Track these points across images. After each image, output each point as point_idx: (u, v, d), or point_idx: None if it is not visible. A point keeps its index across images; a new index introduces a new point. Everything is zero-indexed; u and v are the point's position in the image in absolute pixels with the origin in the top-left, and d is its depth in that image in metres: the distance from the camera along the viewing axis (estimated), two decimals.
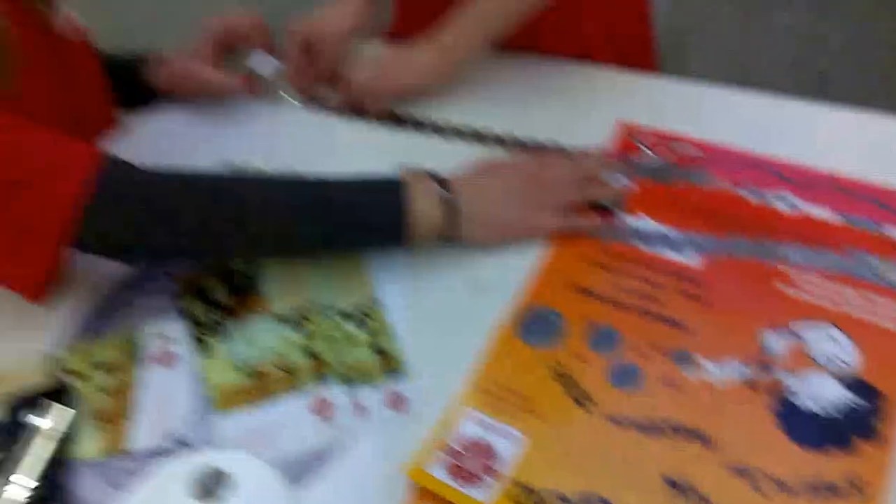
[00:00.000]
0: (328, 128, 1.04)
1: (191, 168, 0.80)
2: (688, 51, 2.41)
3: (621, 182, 0.88)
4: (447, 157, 0.94)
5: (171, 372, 0.77)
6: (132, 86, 1.08)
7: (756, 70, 2.30)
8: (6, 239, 0.73)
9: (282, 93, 1.09)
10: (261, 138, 1.03)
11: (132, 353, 0.79)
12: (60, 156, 0.74)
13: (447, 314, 0.80)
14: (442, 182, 0.82)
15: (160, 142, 1.05)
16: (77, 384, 0.77)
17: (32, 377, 0.78)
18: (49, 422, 0.73)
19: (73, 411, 0.74)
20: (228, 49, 1.08)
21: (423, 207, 0.80)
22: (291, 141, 1.03)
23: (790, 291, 0.76)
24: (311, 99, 1.08)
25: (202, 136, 1.05)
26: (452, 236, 0.82)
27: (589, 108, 0.98)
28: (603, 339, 0.75)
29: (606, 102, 0.99)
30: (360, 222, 0.80)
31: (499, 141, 0.96)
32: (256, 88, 1.08)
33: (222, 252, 0.83)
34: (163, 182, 0.76)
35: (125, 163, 0.77)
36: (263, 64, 1.06)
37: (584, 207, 0.85)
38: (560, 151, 0.92)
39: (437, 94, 1.03)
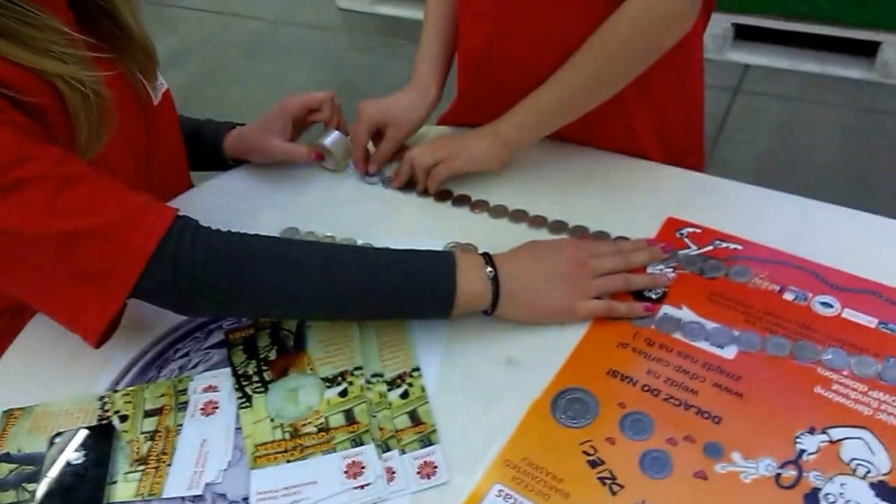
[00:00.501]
0: (385, 200, 1.09)
1: (253, 231, 0.84)
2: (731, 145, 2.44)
3: (665, 274, 0.89)
4: (496, 234, 0.98)
5: (211, 421, 0.80)
6: (210, 151, 1.16)
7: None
8: (79, 284, 0.77)
9: (346, 166, 1.14)
10: (322, 207, 1.08)
11: (177, 400, 0.82)
12: (137, 211, 0.79)
13: (482, 385, 0.81)
14: (489, 260, 0.85)
15: (227, 203, 1.10)
16: (122, 426, 0.80)
17: (82, 416, 0.82)
18: (88, 460, 0.76)
19: (111, 452, 0.77)
20: (300, 123, 1.14)
21: (470, 283, 0.83)
22: (350, 211, 1.07)
23: (826, 394, 0.76)
24: (373, 174, 1.13)
25: (266, 201, 1.10)
26: (494, 312, 0.85)
27: (636, 200, 1.01)
28: (635, 424, 0.75)
29: (653, 196, 1.01)
30: (410, 293, 0.83)
31: (547, 224, 0.99)
32: (322, 159, 1.13)
33: (277, 313, 0.87)
34: (226, 242, 0.80)
35: (194, 221, 0.81)
36: (331, 138, 1.12)
37: (626, 295, 0.87)
38: (607, 240, 0.95)
39: (493, 175, 1.07)
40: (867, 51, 2.56)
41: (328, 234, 1.01)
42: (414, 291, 0.83)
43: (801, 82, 2.64)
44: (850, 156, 2.35)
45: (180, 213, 0.81)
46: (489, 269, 0.84)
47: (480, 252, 0.87)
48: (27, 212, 0.74)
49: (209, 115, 1.18)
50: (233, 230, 0.82)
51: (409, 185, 1.09)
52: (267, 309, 0.85)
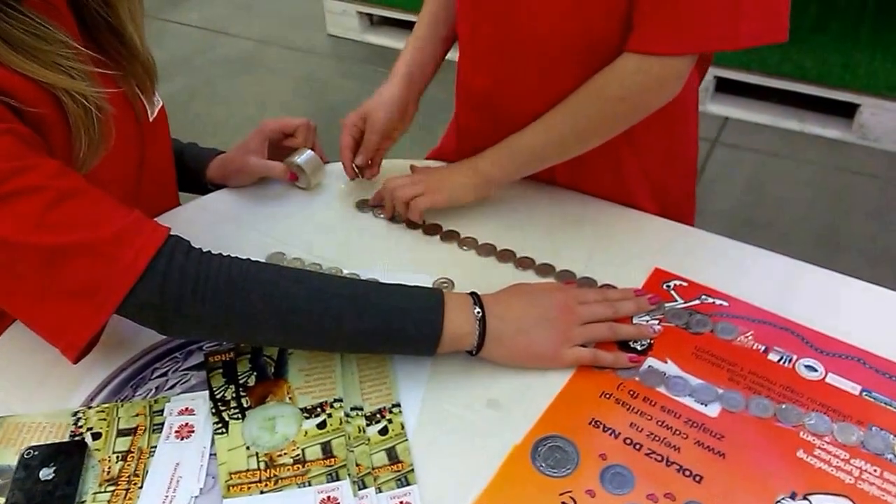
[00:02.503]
0: (374, 230, 1.08)
1: (239, 254, 0.83)
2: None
3: (651, 325, 0.89)
4: (483, 272, 0.98)
5: (186, 445, 0.78)
6: (192, 175, 1.16)
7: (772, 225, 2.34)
8: (65, 298, 0.75)
9: (318, 185, 1.16)
10: (309, 233, 1.07)
11: (152, 421, 0.80)
12: (130, 228, 0.77)
13: (463, 426, 0.80)
14: (477, 300, 0.85)
15: (213, 224, 1.09)
16: (94, 444, 0.78)
17: (54, 431, 0.79)
18: (58, 477, 0.74)
19: (82, 470, 0.75)
20: (276, 145, 1.15)
21: (457, 323, 0.82)
22: (338, 239, 1.06)
23: (808, 459, 0.76)
24: (361, 203, 1.13)
25: (252, 224, 1.09)
26: (479, 353, 0.84)
27: (624, 249, 1.01)
28: (616, 477, 0.75)
29: (642, 246, 1.02)
30: (396, 329, 0.82)
31: (535, 266, 0.99)
32: (296, 179, 1.15)
33: (262, 340, 0.86)
34: (217, 266, 0.79)
35: (186, 242, 0.80)
36: (304, 157, 1.13)
37: (611, 344, 0.87)
38: (594, 287, 0.95)
39: (483, 213, 1.07)
40: (846, 112, 2.62)
41: (315, 261, 1.00)
42: (400, 328, 0.82)
43: (779, 138, 2.68)
44: (821, 214, 2.39)
45: (172, 233, 0.79)
46: (477, 309, 0.84)
47: (469, 292, 0.87)
48: (20, 221, 0.73)
49: (190, 131, 1.18)
50: (223, 253, 0.81)
51: (392, 217, 1.09)
52: (252, 336, 0.83)
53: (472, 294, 0.86)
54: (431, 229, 1.06)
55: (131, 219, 0.79)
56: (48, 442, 0.78)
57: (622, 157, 1.08)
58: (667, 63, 0.90)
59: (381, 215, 1.10)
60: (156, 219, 1.04)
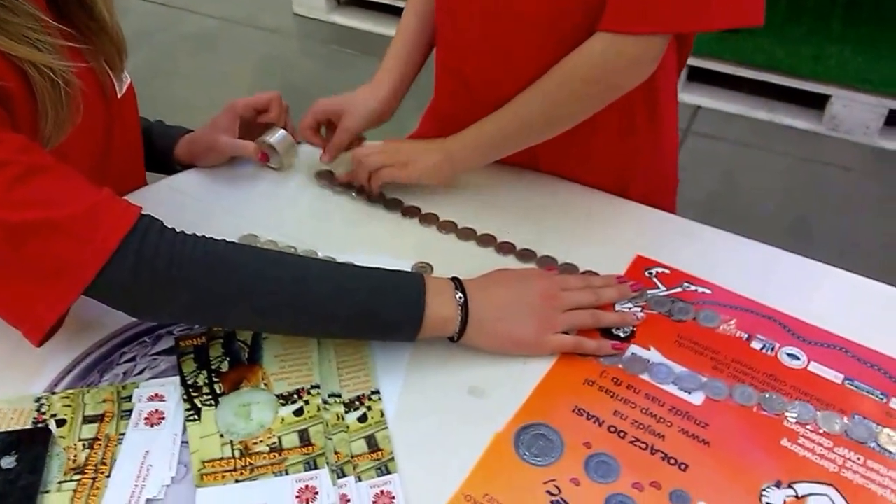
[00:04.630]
0: (350, 213, 1.06)
1: (213, 235, 0.80)
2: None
3: (633, 312, 0.88)
4: (462, 256, 0.97)
5: (156, 432, 0.75)
6: (159, 155, 1.13)
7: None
8: (30, 278, 0.72)
9: (291, 165, 1.13)
10: (282, 215, 1.04)
11: (120, 408, 0.77)
12: (100, 206, 0.74)
13: (444, 414, 0.79)
14: (459, 285, 0.83)
15: (182, 204, 1.06)
16: (59, 431, 0.75)
17: (16, 418, 0.76)
18: (21, 465, 0.71)
19: (46, 458, 0.72)
20: (248, 123, 1.11)
21: (439, 308, 0.80)
22: (312, 221, 1.04)
23: (793, 447, 0.75)
24: (320, 174, 1.11)
25: (222, 205, 1.06)
26: (460, 339, 0.82)
27: (606, 235, 1.00)
28: (601, 466, 0.73)
29: (623, 233, 1.00)
30: (376, 313, 0.80)
31: (515, 251, 0.97)
32: (268, 160, 1.11)
33: (238, 324, 0.83)
34: (192, 246, 0.76)
35: (159, 222, 0.77)
36: (276, 136, 1.10)
37: (593, 331, 0.86)
38: (577, 273, 0.93)
39: (463, 197, 1.05)
40: (817, 103, 2.63)
41: (289, 243, 0.97)
42: (381, 312, 0.80)
43: (750, 128, 2.68)
44: (790, 204, 2.40)
45: (144, 213, 0.76)
46: (459, 294, 0.82)
47: (450, 277, 0.84)
48: None
49: (150, 109, 1.13)
50: (197, 234, 0.78)
51: (357, 189, 1.09)
52: (227, 319, 0.80)
53: (454, 279, 0.84)
54: (409, 212, 1.04)
55: (101, 196, 0.75)
56: (9, 429, 0.75)
57: (604, 144, 1.06)
58: (640, 43, 0.88)
59: (352, 194, 1.08)
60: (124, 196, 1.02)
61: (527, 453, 0.75)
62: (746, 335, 0.86)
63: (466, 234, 1.00)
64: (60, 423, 0.76)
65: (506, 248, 0.98)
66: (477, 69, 1.03)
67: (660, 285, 0.92)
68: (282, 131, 1.10)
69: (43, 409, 0.77)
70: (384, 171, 1.03)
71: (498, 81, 0.99)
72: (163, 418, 0.77)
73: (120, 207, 0.75)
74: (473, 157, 1.03)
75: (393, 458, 0.74)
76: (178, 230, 0.78)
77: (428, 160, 1.03)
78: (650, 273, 0.93)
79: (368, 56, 3.04)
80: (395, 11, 3.25)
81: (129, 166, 1.05)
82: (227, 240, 0.79)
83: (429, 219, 1.03)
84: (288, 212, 1.05)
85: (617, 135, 1.06)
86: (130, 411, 0.77)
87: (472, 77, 1.04)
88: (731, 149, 2.61)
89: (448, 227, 1.01)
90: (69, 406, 0.77)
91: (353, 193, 1.08)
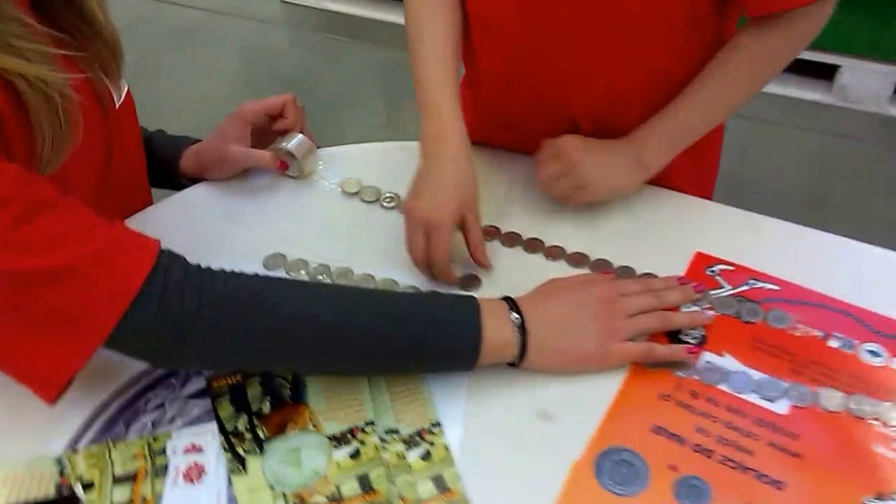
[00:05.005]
0: (381, 223, 0.96)
1: (232, 258, 0.72)
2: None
3: (703, 312, 0.82)
4: (509, 264, 0.89)
5: (198, 489, 0.67)
6: (163, 167, 1.02)
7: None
8: (40, 331, 0.63)
9: (311, 173, 1.03)
10: (308, 229, 0.95)
11: (154, 464, 0.69)
12: (114, 244, 0.66)
13: (514, 444, 0.72)
14: (514, 305, 0.76)
15: (195, 223, 0.96)
16: (87, 496, 0.66)
17: (36, 484, 0.67)
18: None
19: None
20: (260, 131, 1.01)
21: (496, 332, 0.73)
22: (342, 234, 0.95)
23: (889, 454, 0.70)
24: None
25: (241, 221, 0.96)
26: (521, 363, 0.75)
27: (661, 233, 0.93)
28: (691, 491, 0.67)
29: (679, 228, 0.93)
30: (430, 345, 0.73)
31: (565, 256, 0.90)
32: (286, 168, 1.01)
33: (277, 367, 0.75)
34: (222, 285, 0.68)
35: (181, 258, 0.69)
36: (294, 141, 0.99)
37: (662, 338, 0.79)
38: (635, 276, 0.86)
39: (503, 199, 0.97)
40: (826, 74, 2.59)
41: (321, 262, 0.88)
42: (434, 343, 0.73)
43: (760, 102, 2.64)
44: (805, 178, 2.36)
45: (165, 248, 0.67)
46: (514, 315, 0.75)
47: (502, 297, 0.77)
48: None
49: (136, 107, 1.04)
50: (224, 268, 0.70)
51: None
52: (265, 363, 0.73)
53: (506, 299, 0.77)
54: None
55: (115, 232, 0.67)
56: (31, 500, 0.66)
57: None
58: None
59: (390, 205, 0.97)
60: (130, 219, 0.92)
61: (610, 482, 0.68)
62: (822, 333, 0.80)
63: (511, 239, 0.92)
64: (88, 486, 0.67)
65: (555, 253, 0.90)
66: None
67: (724, 284, 0.85)
68: (299, 136, 1.00)
69: (66, 472, 0.68)
70: (581, 194, 0.91)
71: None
72: (204, 472, 0.68)
73: (137, 243, 0.67)
74: (664, 163, 0.92)
75: (466, 500, 0.67)
76: (203, 266, 0.69)
77: (621, 178, 0.93)
78: (712, 271, 0.87)
79: (363, 42, 2.91)
80: None
81: (132, 183, 0.95)
82: (258, 273, 0.71)
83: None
84: (315, 226, 0.96)
85: None
86: (166, 466, 0.69)
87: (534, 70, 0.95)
88: (741, 123, 2.55)
89: (492, 233, 0.93)
90: (95, 466, 0.69)
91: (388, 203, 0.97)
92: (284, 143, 0.99)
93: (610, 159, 0.92)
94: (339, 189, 1.00)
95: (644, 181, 0.94)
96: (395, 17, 2.89)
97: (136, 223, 0.92)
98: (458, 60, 0.94)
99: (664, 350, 0.77)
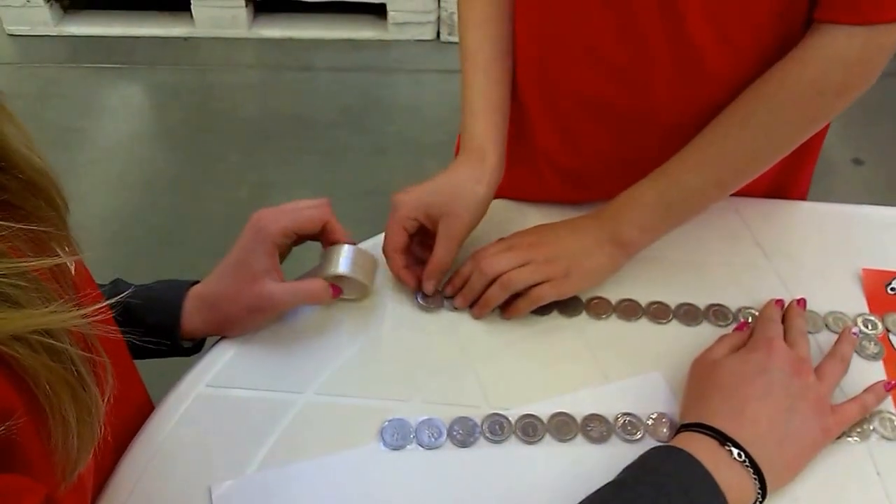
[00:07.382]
0: (447, 326, 0.80)
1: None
2: None
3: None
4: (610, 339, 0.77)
5: None
6: (161, 334, 0.73)
7: None
8: None
9: (372, 286, 0.82)
10: (394, 366, 0.77)
11: None
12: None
13: None
14: (715, 433, 0.63)
15: (242, 413, 0.73)
16: None
17: None
18: None
19: None
20: (282, 251, 0.78)
21: (727, 478, 0.61)
22: (429, 359, 0.78)
23: None
24: (430, 294, 0.82)
25: (302, 386, 0.74)
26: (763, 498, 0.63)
27: (813, 252, 0.81)
28: None
29: (829, 244, 0.82)
30: None
31: (679, 315, 0.79)
32: (339, 293, 0.79)
33: None
34: None
35: None
36: (344, 259, 0.77)
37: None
38: (800, 322, 0.74)
39: None
40: None
41: (445, 401, 0.73)
42: None
43: None
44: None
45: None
46: (729, 446, 0.62)
47: (696, 429, 0.65)
48: None
49: None
50: None
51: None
52: None
53: (700, 428, 0.64)
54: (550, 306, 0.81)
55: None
56: None
57: None
58: None
59: (455, 305, 0.82)
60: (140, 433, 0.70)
61: None
62: None
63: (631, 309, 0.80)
64: None
65: (660, 314, 0.79)
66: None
67: None
68: (347, 248, 0.77)
69: None
70: (540, 290, 0.77)
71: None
72: None
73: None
74: (650, 239, 0.80)
75: None
76: None
77: (596, 262, 0.80)
78: (893, 289, 0.75)
79: (117, 67, 2.58)
80: (139, 5, 2.76)
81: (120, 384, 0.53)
82: None
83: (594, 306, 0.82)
84: (415, 356, 0.78)
85: None
86: None
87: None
88: None
89: (601, 307, 0.81)
90: None
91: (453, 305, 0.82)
92: (339, 266, 0.77)
93: (581, 241, 0.80)
94: (406, 296, 0.83)
95: (624, 262, 0.81)
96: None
97: (145, 445, 0.69)
98: (504, 89, 0.86)
99: (873, 398, 0.69)
